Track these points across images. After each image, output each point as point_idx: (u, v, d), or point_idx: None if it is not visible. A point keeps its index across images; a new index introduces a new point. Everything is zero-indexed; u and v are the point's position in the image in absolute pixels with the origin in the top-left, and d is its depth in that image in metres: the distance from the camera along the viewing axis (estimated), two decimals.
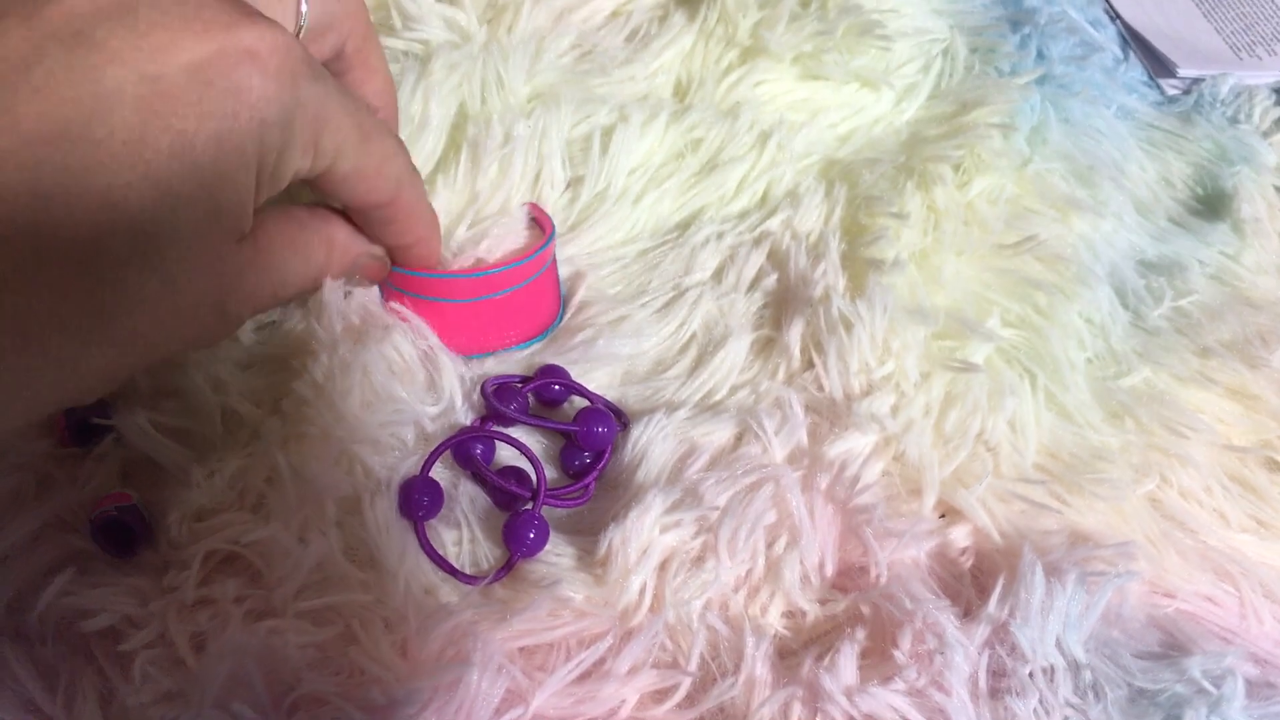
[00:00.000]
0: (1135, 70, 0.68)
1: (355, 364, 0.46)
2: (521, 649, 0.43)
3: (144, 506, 0.44)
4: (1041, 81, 0.64)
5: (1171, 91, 0.68)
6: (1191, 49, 0.69)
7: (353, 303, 0.49)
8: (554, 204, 0.56)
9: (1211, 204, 0.64)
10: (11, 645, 0.41)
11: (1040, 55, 0.65)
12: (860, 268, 0.54)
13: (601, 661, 0.42)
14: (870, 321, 0.51)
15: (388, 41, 0.59)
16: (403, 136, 0.54)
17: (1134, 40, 0.69)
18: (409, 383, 0.48)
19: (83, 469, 0.45)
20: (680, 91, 0.62)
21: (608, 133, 0.57)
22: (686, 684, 0.42)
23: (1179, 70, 0.68)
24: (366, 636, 0.42)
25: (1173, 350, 0.55)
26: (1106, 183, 0.60)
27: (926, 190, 0.57)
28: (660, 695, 0.42)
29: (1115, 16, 0.69)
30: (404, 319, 0.49)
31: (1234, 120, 0.67)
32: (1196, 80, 0.68)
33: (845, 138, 0.62)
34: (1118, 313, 0.56)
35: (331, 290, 0.49)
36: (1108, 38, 0.68)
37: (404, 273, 0.49)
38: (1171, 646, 0.45)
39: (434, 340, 0.49)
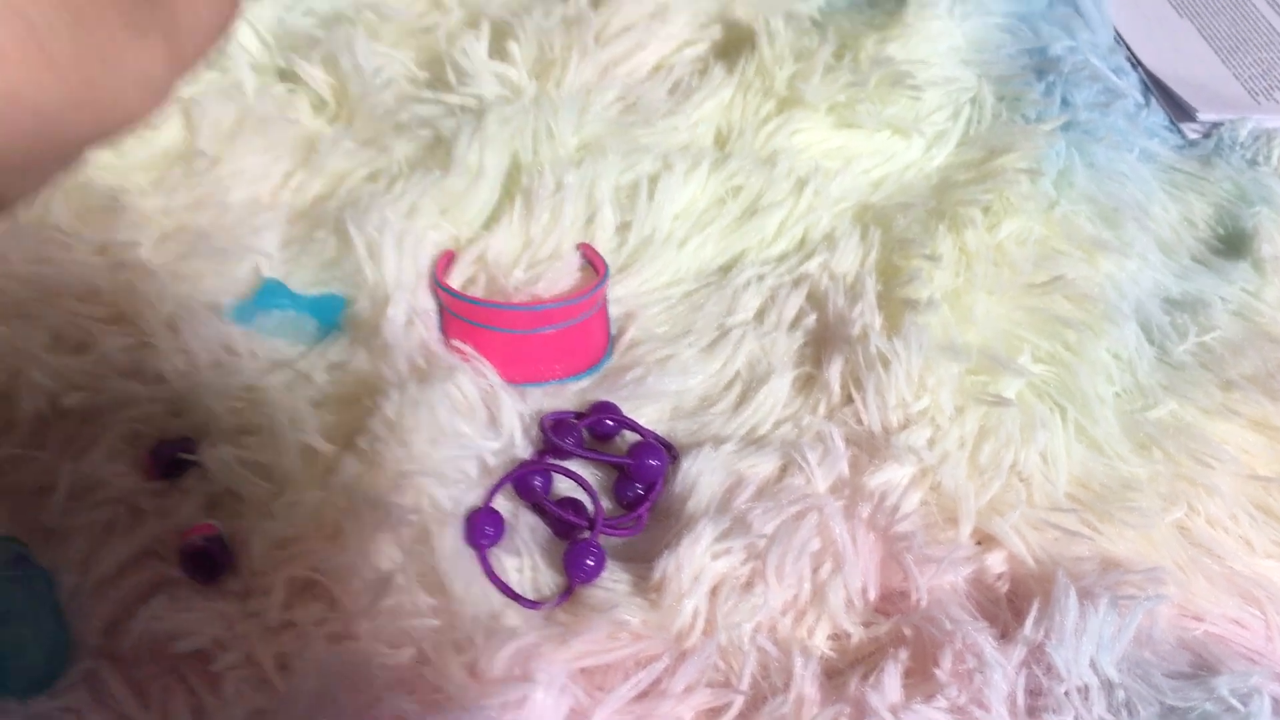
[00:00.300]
0: (1157, 115, 0.70)
1: (423, 402, 0.48)
2: (582, 670, 0.45)
3: (227, 536, 0.46)
4: (1066, 127, 0.66)
5: (1192, 135, 0.70)
6: (1211, 94, 0.72)
7: (416, 342, 0.52)
8: (604, 248, 0.59)
9: (1232, 243, 0.66)
10: (109, 666, 0.43)
11: (1065, 102, 0.68)
12: (896, 307, 0.56)
13: (658, 681, 0.45)
14: (906, 358, 0.53)
15: (444, 97, 0.62)
16: (460, 186, 0.58)
17: (1155, 86, 0.72)
18: (472, 419, 0.50)
19: (170, 502, 0.47)
20: (720, 140, 0.65)
21: (653, 180, 0.60)
22: (739, 702, 0.44)
23: (1199, 115, 0.71)
24: (438, 658, 0.44)
25: (1197, 384, 0.57)
26: (1131, 224, 0.62)
27: (957, 233, 0.60)
28: (714, 713, 0.44)
29: (1137, 64, 0.72)
30: (465, 358, 0.52)
31: (1253, 162, 0.69)
32: (1216, 124, 0.70)
33: (878, 183, 0.64)
34: (1144, 348, 0.58)
35: (394, 333, 0.52)
36: (1130, 84, 0.70)
37: (467, 302, 0.52)
38: (1200, 667, 0.47)
39: (494, 379, 0.52)
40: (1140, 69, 0.72)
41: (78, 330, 0.51)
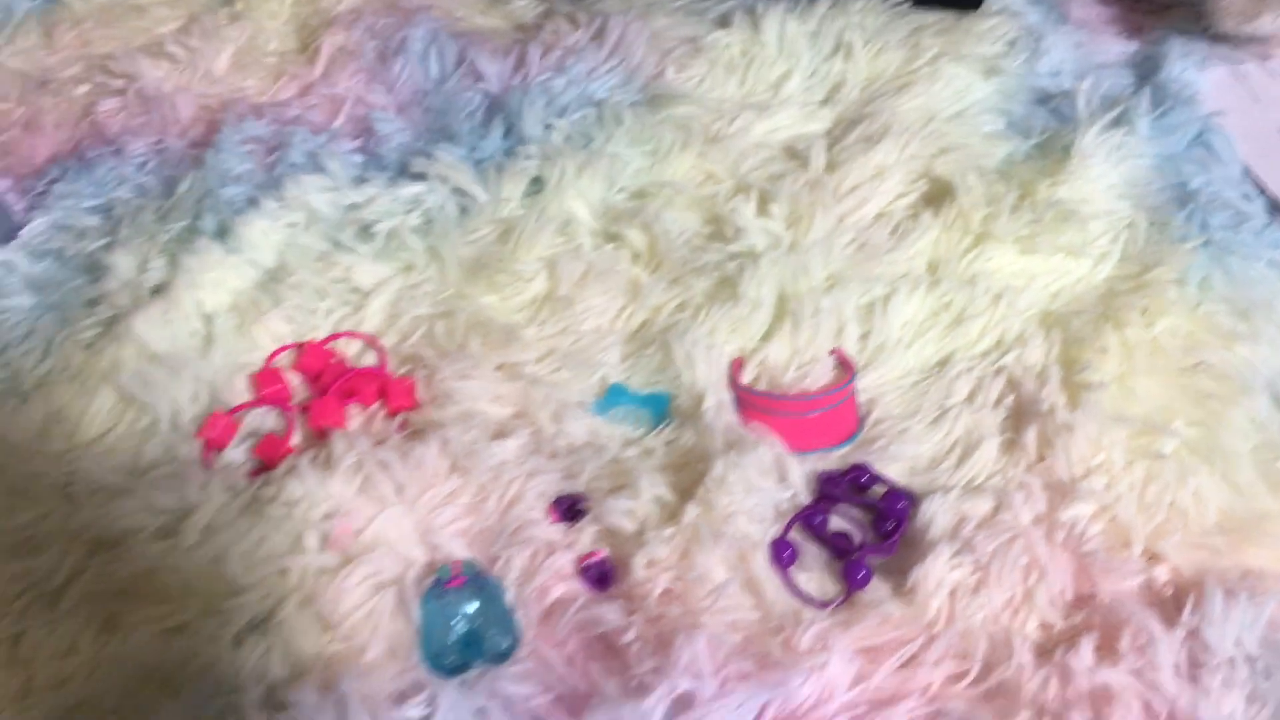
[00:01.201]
0: (1278, 232, 0.83)
1: (738, 465, 0.67)
2: (861, 649, 0.62)
3: (612, 559, 0.66)
4: (1205, 245, 0.80)
5: None
6: None
7: (724, 424, 0.71)
8: (851, 352, 0.76)
9: None
10: (546, 644, 0.62)
11: (1203, 225, 0.81)
12: (1075, 389, 0.72)
13: (915, 656, 0.61)
14: (1085, 426, 0.68)
15: (727, 247, 0.82)
16: (744, 312, 0.77)
17: (1277, 209, 0.85)
18: (770, 477, 0.68)
19: (571, 536, 0.67)
20: (932, 268, 0.81)
21: (884, 301, 0.77)
22: (976, 668, 0.61)
23: None
24: (760, 638, 0.62)
25: None
26: (1260, 317, 0.75)
27: (1121, 330, 0.74)
28: (956, 678, 0.61)
29: (1261, 190, 0.85)
30: (762, 435, 0.70)
31: None
32: None
33: (1056, 295, 0.79)
34: (1273, 414, 0.72)
35: (711, 417, 0.71)
36: (1256, 208, 0.83)
37: (758, 395, 0.72)
38: None
39: (781, 449, 0.70)
40: (1264, 195, 0.86)
41: (496, 426, 0.72)
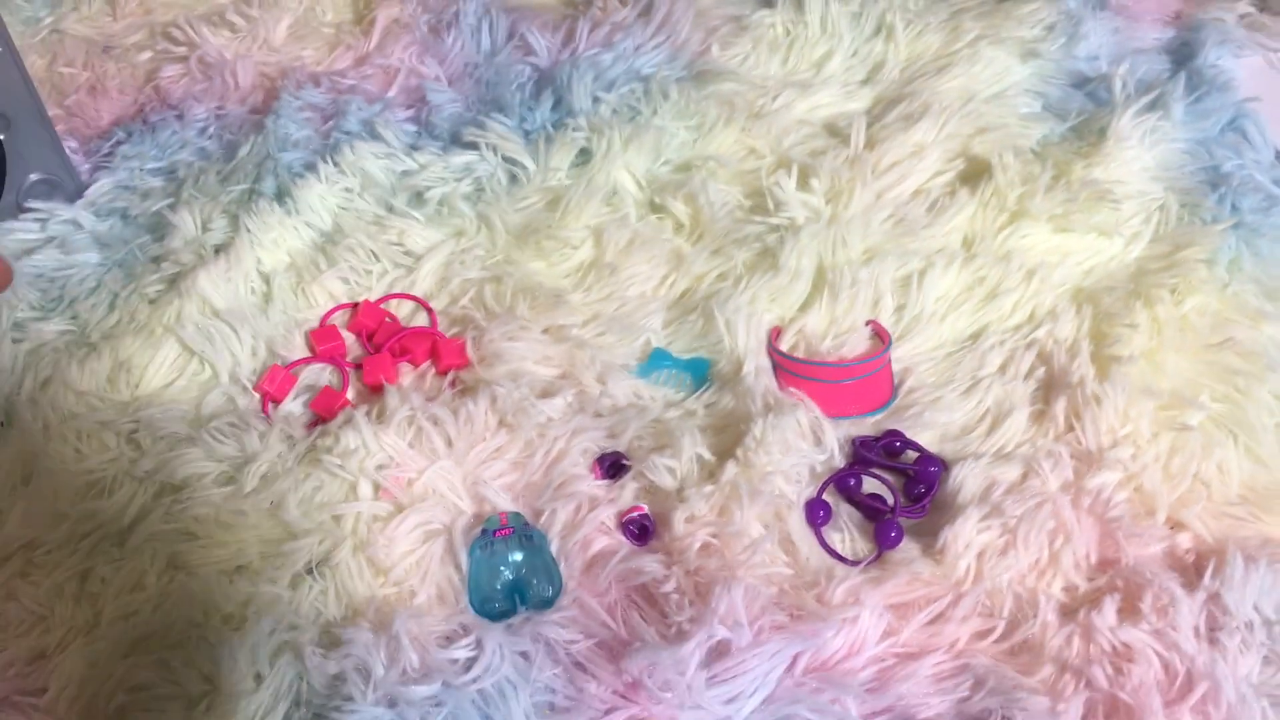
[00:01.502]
0: None
1: (776, 426, 0.69)
2: (890, 605, 0.64)
3: (652, 515, 0.68)
4: (1236, 227, 0.81)
5: None
6: None
7: (763, 388, 0.73)
8: (886, 323, 0.78)
9: None
10: (588, 594, 0.65)
11: (1234, 207, 0.82)
12: (1105, 362, 0.73)
13: (943, 613, 0.63)
14: (1114, 398, 0.70)
15: (768, 219, 0.84)
16: (784, 282, 0.78)
17: None
18: (807, 439, 0.70)
19: (614, 492, 0.69)
20: (967, 244, 0.82)
21: (920, 274, 0.79)
22: (1001, 626, 0.63)
23: None
24: (794, 593, 0.64)
25: None
26: None
27: (1151, 307, 0.76)
28: (982, 634, 0.63)
29: None
30: (799, 399, 0.72)
31: None
32: None
33: (1089, 272, 0.81)
34: None
35: (750, 382, 0.73)
36: None
37: (796, 361, 0.73)
38: None
39: (818, 413, 0.72)
40: None
41: (543, 386, 0.74)
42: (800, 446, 0.70)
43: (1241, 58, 0.96)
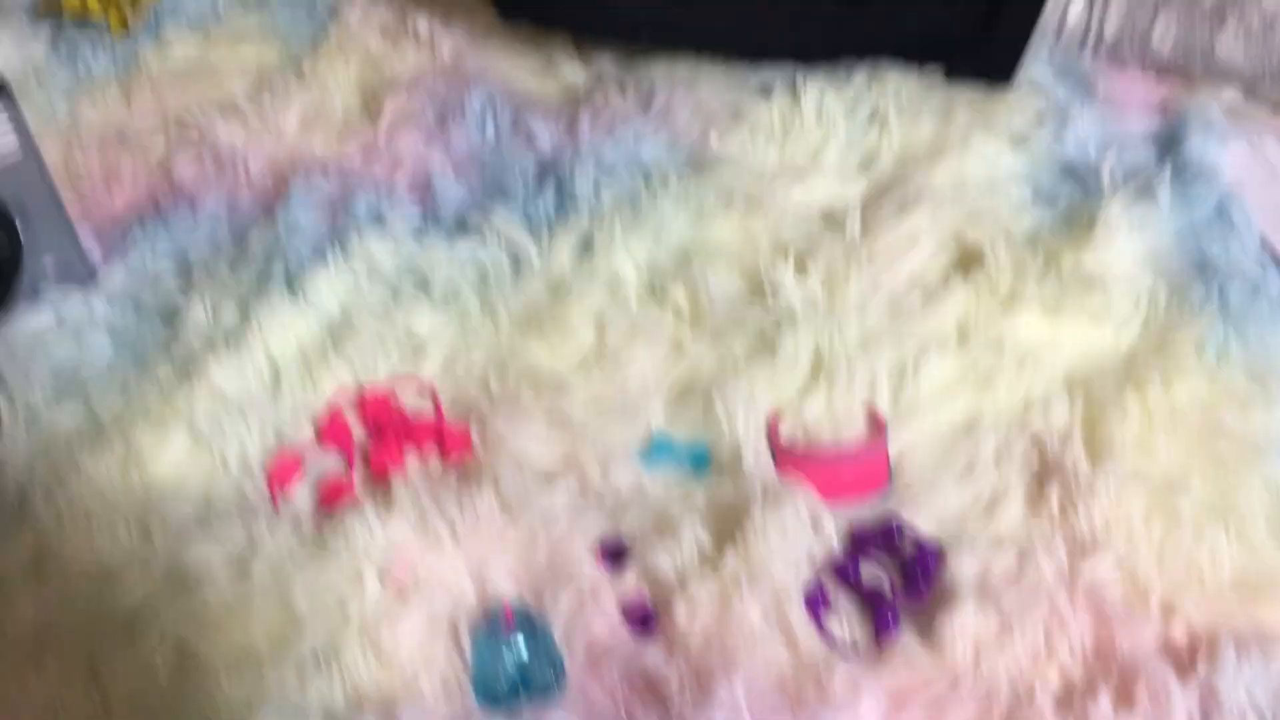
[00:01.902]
0: None
1: (777, 513, 0.70)
2: (889, 693, 0.65)
3: (654, 602, 0.69)
4: (1223, 313, 0.82)
5: None
6: None
7: (761, 475, 0.74)
8: (883, 409, 0.80)
9: None
10: (590, 681, 0.65)
11: (1221, 294, 0.84)
12: (1097, 447, 0.74)
13: (941, 700, 0.64)
14: (1106, 485, 0.71)
15: (765, 306, 0.85)
16: (782, 369, 0.80)
17: None
18: (805, 526, 0.71)
19: (615, 580, 0.70)
20: (961, 331, 0.84)
21: (915, 360, 0.80)
22: (998, 714, 0.63)
23: None
24: (796, 679, 0.65)
25: None
26: (1277, 384, 0.78)
27: (1142, 393, 0.77)
28: (983, 715, 0.64)
29: (1277, 262, 0.88)
30: (798, 486, 0.73)
31: None
32: None
33: (1080, 358, 0.81)
34: None
35: (749, 468, 0.74)
36: (1272, 278, 0.86)
37: (795, 447, 0.75)
38: None
39: (815, 501, 0.73)
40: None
41: (545, 472, 0.76)
42: (799, 534, 0.71)
43: (1226, 145, 0.98)
